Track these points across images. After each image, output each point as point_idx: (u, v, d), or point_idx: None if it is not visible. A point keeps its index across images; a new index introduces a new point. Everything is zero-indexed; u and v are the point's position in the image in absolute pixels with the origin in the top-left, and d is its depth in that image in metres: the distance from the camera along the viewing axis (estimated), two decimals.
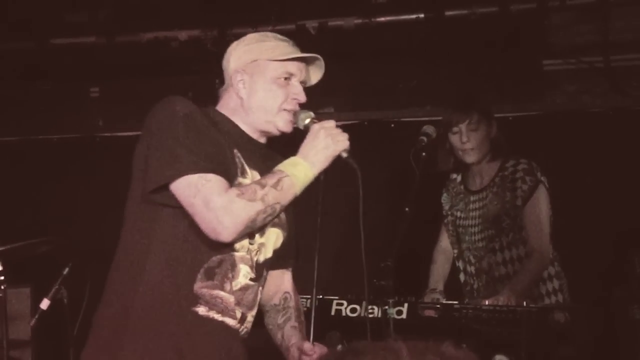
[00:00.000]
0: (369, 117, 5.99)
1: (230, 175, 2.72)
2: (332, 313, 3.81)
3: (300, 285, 3.17)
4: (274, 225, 2.89)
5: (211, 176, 2.64)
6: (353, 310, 3.79)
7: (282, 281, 3.06)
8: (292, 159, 2.79)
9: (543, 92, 5.91)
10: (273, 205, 2.70)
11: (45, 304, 4.32)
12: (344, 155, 2.82)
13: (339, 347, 3.51)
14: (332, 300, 3.86)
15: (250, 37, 2.97)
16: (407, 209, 4.11)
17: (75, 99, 6.22)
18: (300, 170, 2.76)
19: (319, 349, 2.77)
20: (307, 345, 2.78)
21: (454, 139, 4.28)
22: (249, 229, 2.70)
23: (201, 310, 2.71)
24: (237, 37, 2.98)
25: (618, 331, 4.65)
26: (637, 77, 5.67)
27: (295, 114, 2.87)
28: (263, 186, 2.69)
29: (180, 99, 2.78)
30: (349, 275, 5.26)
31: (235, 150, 2.80)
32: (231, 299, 2.75)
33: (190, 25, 5.68)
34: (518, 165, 4.28)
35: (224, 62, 2.96)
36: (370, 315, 3.73)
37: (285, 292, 3.04)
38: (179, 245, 2.71)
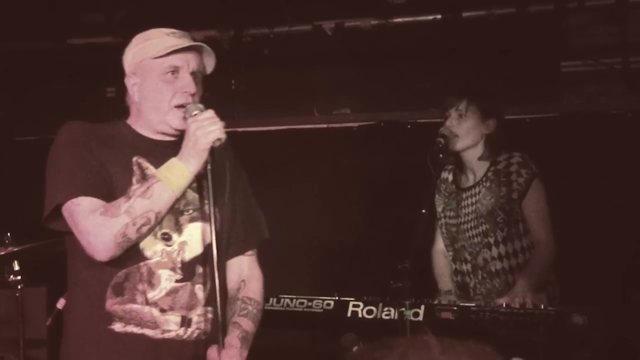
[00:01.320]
0: (386, 118, 5.98)
1: (119, 189, 2.74)
2: (349, 315, 3.80)
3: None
4: (194, 220, 2.86)
5: (80, 199, 2.68)
6: (369, 312, 3.78)
7: (240, 269, 2.99)
8: (169, 161, 2.76)
9: (561, 94, 5.89)
10: (144, 214, 2.68)
11: (61, 303, 4.32)
12: (217, 144, 2.73)
13: (355, 348, 3.49)
14: (348, 301, 3.84)
15: (136, 37, 2.92)
16: (423, 210, 4.10)
17: (91, 98, 6.23)
18: (173, 172, 2.73)
19: (226, 355, 2.69)
20: (210, 351, 2.73)
21: (446, 124, 4.24)
22: (124, 243, 2.68)
23: (117, 327, 2.74)
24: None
25: (636, 334, 4.63)
26: None
27: (186, 109, 2.80)
28: (128, 199, 2.68)
29: (66, 126, 2.83)
30: (366, 277, 5.28)
31: (136, 158, 2.81)
32: (145, 309, 2.75)
33: (206, 26, 5.70)
34: (511, 158, 4.23)
35: (123, 69, 2.94)
36: (387, 317, 3.74)
37: (242, 281, 2.97)
38: (88, 268, 2.76)
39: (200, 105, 2.80)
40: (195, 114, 2.76)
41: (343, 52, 5.80)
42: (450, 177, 4.39)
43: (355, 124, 6.06)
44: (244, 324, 2.86)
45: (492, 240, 4.20)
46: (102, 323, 2.73)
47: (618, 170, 5.30)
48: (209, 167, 2.74)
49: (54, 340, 4.73)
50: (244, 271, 2.98)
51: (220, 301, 2.71)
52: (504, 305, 3.70)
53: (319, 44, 5.61)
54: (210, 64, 2.94)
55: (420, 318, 3.69)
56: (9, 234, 4.25)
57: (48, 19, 5.82)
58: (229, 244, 2.93)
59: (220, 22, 5.63)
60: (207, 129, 2.71)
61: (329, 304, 3.86)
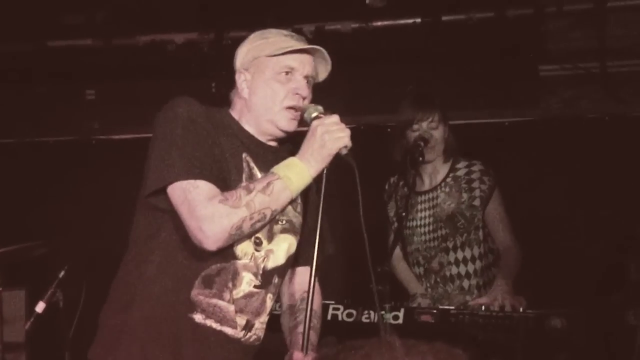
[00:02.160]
0: (366, 121, 5.99)
1: (230, 181, 2.68)
2: (329, 318, 3.80)
3: None
4: (285, 231, 2.84)
5: (200, 182, 2.60)
6: (349, 315, 3.79)
7: (305, 279, 2.89)
8: (288, 160, 2.70)
9: (539, 98, 5.92)
10: (261, 210, 2.62)
11: (40, 307, 4.31)
12: (343, 152, 2.68)
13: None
14: (328, 305, 3.84)
15: (253, 35, 2.89)
16: (403, 213, 4.13)
17: (71, 101, 6.20)
18: (295, 172, 2.67)
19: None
20: (297, 355, 2.70)
21: (413, 136, 4.24)
22: (236, 236, 2.63)
23: (198, 317, 2.69)
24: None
25: (614, 337, 4.66)
26: (633, 83, 5.67)
27: (303, 109, 2.78)
28: (249, 191, 2.62)
29: (184, 100, 2.72)
30: (346, 280, 5.28)
31: (244, 154, 2.77)
32: (230, 307, 2.71)
33: (187, 29, 5.68)
34: (472, 166, 4.29)
35: (234, 64, 2.90)
36: (366, 321, 3.74)
37: (304, 292, 2.87)
38: (178, 251, 2.68)
39: (320, 107, 2.77)
40: (317, 116, 2.72)
41: None
42: (401, 182, 4.39)
43: None
44: (312, 337, 2.82)
45: (450, 244, 4.23)
46: (183, 310, 2.67)
47: (596, 174, 5.35)
48: (324, 172, 2.70)
49: (33, 343, 4.72)
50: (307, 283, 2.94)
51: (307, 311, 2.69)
52: (483, 307, 3.72)
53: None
54: (323, 70, 2.92)
55: (400, 321, 3.71)
56: None
57: (27, 20, 5.78)
58: (301, 253, 2.93)
59: (200, 24, 5.62)
60: (336, 135, 2.66)
61: None
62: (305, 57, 2.84)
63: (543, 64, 5.82)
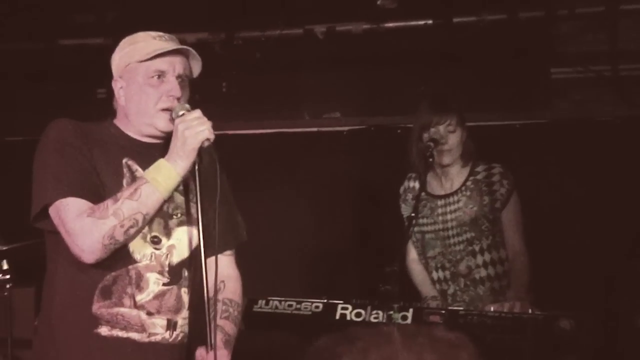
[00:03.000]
0: (376, 122, 6.00)
1: (107, 190, 2.72)
2: (337, 317, 3.79)
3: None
4: (182, 224, 2.86)
5: (69, 200, 2.66)
6: (358, 315, 3.78)
7: (218, 268, 2.84)
8: (157, 162, 2.73)
9: (550, 100, 5.92)
10: (131, 216, 2.66)
11: None
12: (205, 144, 2.70)
13: None
14: (337, 304, 3.83)
15: (123, 42, 2.91)
16: (413, 214, 4.12)
17: (82, 99, 6.22)
18: (161, 173, 2.70)
19: (213, 357, 2.69)
20: (198, 352, 2.74)
21: (433, 130, 4.22)
22: (111, 246, 2.66)
23: (103, 331, 2.72)
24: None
25: (622, 340, 4.66)
26: None
27: (171, 110, 2.79)
28: (116, 200, 2.65)
29: (56, 123, 2.78)
30: (354, 279, 5.29)
31: (125, 159, 2.80)
32: (133, 313, 2.73)
33: (198, 28, 5.69)
34: (492, 169, 4.28)
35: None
36: (375, 320, 3.74)
37: (221, 282, 2.92)
38: (75, 269, 2.72)
39: (187, 105, 2.79)
40: (182, 114, 2.74)
41: (334, 56, 5.80)
42: (417, 185, 4.36)
43: (346, 128, 6.08)
44: (227, 327, 2.86)
45: (477, 248, 4.22)
46: (87, 326, 2.70)
47: (607, 177, 5.33)
48: (197, 167, 2.73)
49: None
50: (223, 271, 2.92)
51: (205, 302, 2.70)
52: (492, 310, 3.72)
53: (310, 47, 5.62)
54: (196, 67, 2.93)
55: (409, 321, 3.67)
56: None
57: (39, 19, 5.81)
58: (209, 244, 2.89)
59: (211, 24, 5.63)
60: (196, 129, 2.69)
61: (317, 307, 3.85)
62: (176, 57, 2.84)
63: (554, 67, 5.82)
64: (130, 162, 2.80)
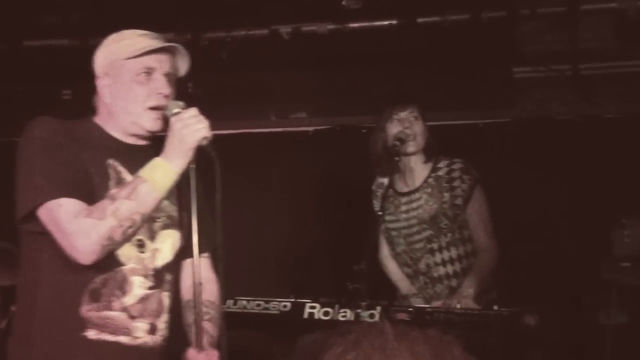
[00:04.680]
0: (341, 122, 6.03)
1: (96, 191, 2.67)
2: (305, 316, 3.81)
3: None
4: (166, 227, 2.85)
5: (63, 200, 2.60)
6: (326, 314, 3.79)
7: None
8: (153, 161, 2.70)
9: (513, 99, 5.97)
10: (129, 217, 2.62)
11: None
12: (203, 143, 2.67)
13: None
14: (305, 303, 3.85)
15: (109, 38, 2.87)
16: (380, 212, 4.16)
17: (47, 101, 6.18)
18: (159, 172, 2.67)
19: (205, 356, 2.70)
20: (190, 352, 2.73)
21: (394, 126, 4.26)
22: (110, 247, 2.63)
23: (91, 334, 2.68)
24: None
25: (586, 335, 4.73)
26: (605, 85, 5.72)
27: (164, 108, 2.76)
28: (114, 200, 2.62)
29: (40, 121, 2.72)
30: (322, 278, 5.32)
31: (110, 161, 2.76)
32: (122, 316, 2.71)
33: (164, 29, 5.64)
34: (453, 164, 4.29)
35: (94, 70, 2.87)
36: (343, 319, 3.76)
37: (200, 284, 2.80)
38: (62, 272, 2.68)
39: (181, 103, 2.75)
40: (177, 112, 2.71)
41: (300, 56, 5.81)
42: (386, 182, 4.37)
43: (311, 128, 6.10)
44: (210, 329, 2.84)
45: (435, 246, 4.26)
46: (75, 329, 2.66)
47: (569, 175, 5.41)
48: (192, 166, 2.70)
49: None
50: (201, 273, 2.84)
51: (183, 305, 2.73)
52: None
53: (276, 48, 5.62)
54: (183, 65, 2.89)
55: (377, 319, 3.69)
56: None
57: (3, 20, 5.76)
58: (188, 246, 2.86)
59: (177, 25, 5.61)
60: (194, 127, 2.65)
61: (285, 306, 3.86)
62: (163, 55, 2.81)
63: (517, 66, 5.86)
64: (115, 163, 2.76)
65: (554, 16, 5.48)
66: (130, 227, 2.63)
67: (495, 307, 3.65)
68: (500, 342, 3.55)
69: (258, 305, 3.90)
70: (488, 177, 4.42)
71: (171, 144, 2.68)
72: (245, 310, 3.89)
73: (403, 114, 4.25)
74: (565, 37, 5.65)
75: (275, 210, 5.79)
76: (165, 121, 2.75)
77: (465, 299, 3.97)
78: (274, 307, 3.89)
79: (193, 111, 2.70)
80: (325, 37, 5.58)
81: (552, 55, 5.72)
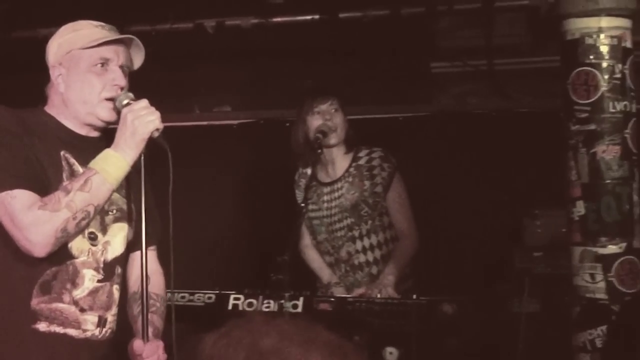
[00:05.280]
0: (265, 115, 6.08)
1: (50, 183, 2.65)
2: (230, 308, 3.86)
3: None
4: (117, 220, 2.83)
5: (17, 192, 2.56)
6: (250, 305, 3.85)
7: (139, 263, 2.79)
8: (104, 152, 2.67)
9: (431, 94, 6.09)
10: (83, 209, 2.59)
11: None
12: (155, 135, 2.66)
13: None
14: (229, 295, 3.91)
15: (64, 28, 2.83)
16: (302, 204, 4.24)
17: None
18: (111, 163, 2.64)
19: (151, 347, 2.67)
20: (136, 343, 2.68)
21: (315, 119, 4.33)
22: (63, 239, 2.60)
23: (42, 326, 2.65)
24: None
25: (500, 323, 4.87)
26: (519, 80, 5.86)
27: (115, 98, 2.73)
28: (68, 192, 2.58)
29: None
30: (246, 270, 5.38)
31: (63, 152, 2.73)
32: (72, 309, 2.69)
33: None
34: (372, 153, 4.38)
35: (47, 59, 2.83)
36: (267, 310, 3.83)
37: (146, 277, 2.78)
38: (13, 264, 2.65)
39: (131, 94, 2.72)
40: (128, 104, 2.70)
41: (224, 50, 5.83)
42: (309, 172, 4.44)
43: (236, 122, 6.14)
44: (156, 321, 2.83)
45: (356, 233, 4.33)
46: (25, 321, 2.64)
47: (484, 167, 5.53)
48: (142, 158, 2.68)
49: None
50: (148, 266, 2.77)
51: (134, 297, 2.73)
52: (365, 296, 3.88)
53: (200, 41, 5.63)
54: (138, 58, 2.87)
55: (300, 310, 3.77)
56: None
57: None
58: (136, 238, 2.87)
59: (101, 19, 5.56)
60: (146, 119, 2.64)
61: (210, 297, 3.91)
62: (119, 47, 2.78)
63: (435, 61, 5.97)
64: (67, 155, 2.72)
65: (470, 12, 5.53)
66: (83, 219, 2.60)
67: (414, 296, 3.74)
68: (418, 329, 3.65)
69: (183, 297, 3.92)
70: (406, 169, 4.51)
71: (123, 135, 2.65)
72: (169, 302, 3.90)
73: (323, 107, 4.32)
74: (480, 33, 5.75)
75: (198, 203, 5.82)
76: (117, 113, 2.73)
77: (386, 286, 4.08)
78: (198, 299, 3.92)
79: (144, 102, 2.69)
80: (249, 31, 5.59)
81: (468, 51, 5.83)
